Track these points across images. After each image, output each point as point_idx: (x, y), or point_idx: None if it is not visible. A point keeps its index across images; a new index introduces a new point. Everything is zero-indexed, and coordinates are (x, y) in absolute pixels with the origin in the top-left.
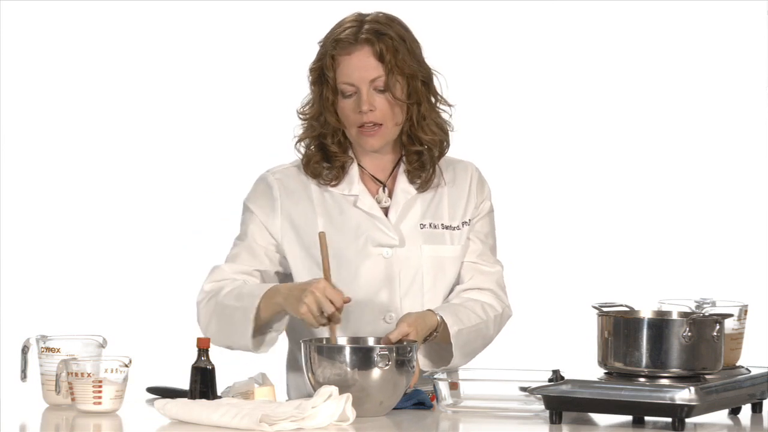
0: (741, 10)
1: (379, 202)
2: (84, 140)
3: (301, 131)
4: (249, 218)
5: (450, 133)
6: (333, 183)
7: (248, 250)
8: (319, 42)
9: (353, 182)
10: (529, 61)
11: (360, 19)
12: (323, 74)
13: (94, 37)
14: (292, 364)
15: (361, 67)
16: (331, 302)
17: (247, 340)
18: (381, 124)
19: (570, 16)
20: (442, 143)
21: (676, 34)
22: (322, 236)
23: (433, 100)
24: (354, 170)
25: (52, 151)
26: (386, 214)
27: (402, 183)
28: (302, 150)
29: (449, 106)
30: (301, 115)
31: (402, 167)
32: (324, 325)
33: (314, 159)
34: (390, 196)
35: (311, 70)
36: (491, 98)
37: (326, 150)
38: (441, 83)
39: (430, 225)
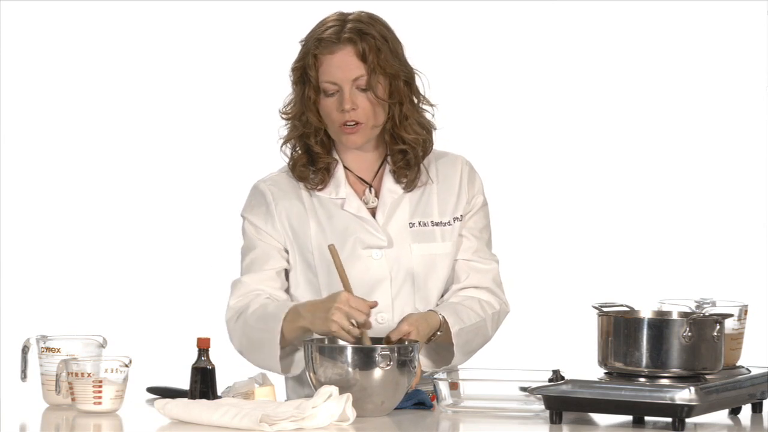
0: (741, 10)
1: (366, 203)
2: (84, 141)
3: (285, 132)
4: (250, 228)
5: (434, 132)
6: (319, 187)
7: (260, 255)
8: (301, 41)
9: (340, 185)
10: (529, 60)
11: (342, 19)
12: (305, 73)
13: (94, 37)
14: (293, 378)
15: (344, 66)
16: (360, 311)
17: (276, 365)
18: (361, 123)
19: (570, 16)
20: (425, 142)
21: (676, 34)
22: (332, 249)
23: (415, 100)
24: (339, 173)
25: (52, 151)
26: (374, 215)
27: (388, 183)
28: (288, 153)
29: (431, 105)
30: (283, 115)
31: (387, 167)
32: (358, 336)
33: (300, 162)
34: (377, 196)
35: (293, 69)
36: (493, 96)
37: (311, 151)
38: (424, 83)
39: (420, 223)
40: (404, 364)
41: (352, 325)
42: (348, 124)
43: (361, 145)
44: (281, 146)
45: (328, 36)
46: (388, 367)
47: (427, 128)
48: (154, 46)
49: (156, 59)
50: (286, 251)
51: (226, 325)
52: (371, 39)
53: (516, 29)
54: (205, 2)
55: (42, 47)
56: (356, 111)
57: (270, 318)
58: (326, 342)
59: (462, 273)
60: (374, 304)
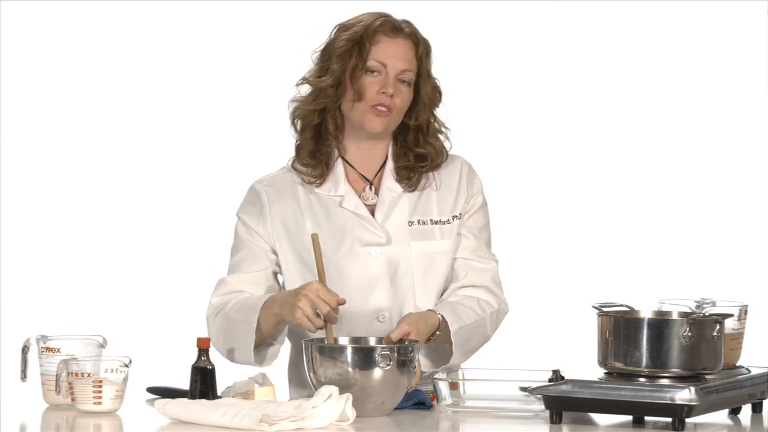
0: (741, 10)
1: (365, 200)
2: (83, 141)
3: (301, 103)
4: (242, 227)
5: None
6: (318, 182)
7: (248, 255)
8: (339, 24)
9: (339, 182)
10: (531, 61)
11: (392, 17)
12: (360, 44)
13: (94, 37)
14: (294, 378)
15: (400, 55)
16: (326, 303)
17: (249, 354)
18: (392, 112)
19: (570, 16)
20: (440, 155)
21: (676, 34)
22: (314, 238)
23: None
24: (339, 169)
25: (52, 151)
26: (373, 213)
27: (388, 181)
28: (297, 134)
29: (446, 129)
30: (316, 81)
31: (389, 165)
32: (321, 328)
33: (306, 146)
34: (377, 194)
35: (342, 40)
36: (494, 96)
37: (320, 132)
38: (443, 105)
39: (419, 221)
40: (404, 364)
41: (318, 315)
42: (380, 108)
43: (380, 133)
44: (293, 120)
45: (391, 21)
46: (388, 367)
47: (443, 145)
48: (154, 46)
49: (156, 59)
50: (275, 253)
51: (206, 321)
52: (428, 44)
53: (517, 29)
54: (206, 3)
55: (42, 47)
56: (394, 99)
57: (248, 308)
58: (326, 342)
59: (461, 272)
60: (343, 301)
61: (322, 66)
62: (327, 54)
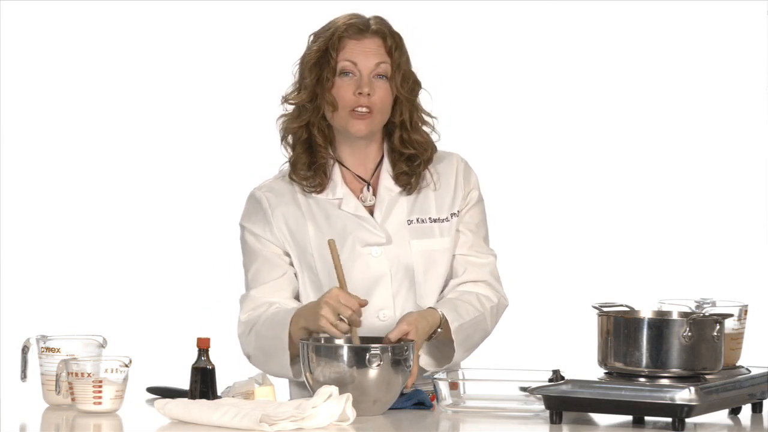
0: (741, 10)
1: (364, 201)
2: (84, 141)
3: (286, 120)
4: (250, 237)
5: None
6: (318, 190)
7: (264, 265)
8: (312, 34)
9: (336, 186)
10: (533, 61)
11: (363, 16)
12: (326, 54)
13: (94, 37)
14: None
15: (369, 53)
16: (348, 307)
17: (287, 370)
18: (372, 112)
19: (570, 15)
20: (430, 149)
21: (676, 34)
22: (332, 243)
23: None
24: (337, 174)
25: (52, 151)
26: (372, 213)
27: (386, 181)
28: (289, 150)
29: (433, 118)
30: (291, 101)
31: (385, 165)
32: (347, 333)
33: (301, 161)
34: (374, 194)
35: (309, 53)
36: (493, 93)
37: (312, 146)
38: (428, 97)
39: (418, 220)
40: (398, 364)
41: (341, 320)
42: (359, 110)
43: (365, 135)
44: (283, 138)
45: (357, 23)
46: (380, 367)
47: (430, 137)
48: (155, 47)
49: (158, 60)
50: (287, 255)
51: (238, 339)
52: (398, 37)
53: (517, 28)
54: (205, 7)
55: (42, 47)
56: (371, 97)
57: (278, 325)
58: (322, 341)
59: (459, 268)
60: (365, 303)
61: (298, 81)
62: (301, 68)
